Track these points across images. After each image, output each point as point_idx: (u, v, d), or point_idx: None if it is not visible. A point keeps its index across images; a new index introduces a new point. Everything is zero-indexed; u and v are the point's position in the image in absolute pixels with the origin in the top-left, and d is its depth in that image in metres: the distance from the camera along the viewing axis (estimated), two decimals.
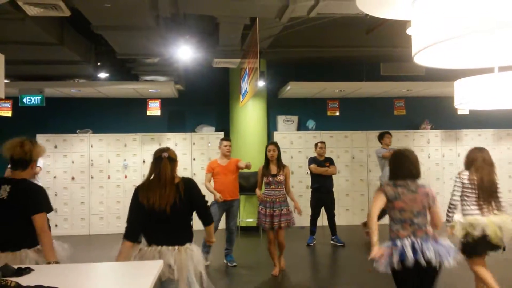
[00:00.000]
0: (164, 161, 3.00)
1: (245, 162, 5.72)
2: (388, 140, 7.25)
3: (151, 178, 3.04)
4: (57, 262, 2.87)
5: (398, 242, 3.03)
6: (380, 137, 7.33)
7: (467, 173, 3.93)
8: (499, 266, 5.45)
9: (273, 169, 5.23)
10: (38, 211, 2.89)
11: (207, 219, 3.16)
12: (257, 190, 5.42)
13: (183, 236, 3.00)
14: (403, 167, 3.18)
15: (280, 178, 5.19)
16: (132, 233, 2.99)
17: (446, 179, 8.83)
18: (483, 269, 3.88)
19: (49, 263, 2.83)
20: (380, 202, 3.13)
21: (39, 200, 2.94)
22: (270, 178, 5.20)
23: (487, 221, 3.75)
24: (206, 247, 5.03)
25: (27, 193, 2.92)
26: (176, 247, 2.92)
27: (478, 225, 3.75)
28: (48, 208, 2.98)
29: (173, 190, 2.96)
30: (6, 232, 2.91)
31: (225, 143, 5.82)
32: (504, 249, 3.83)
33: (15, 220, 2.89)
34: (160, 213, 2.92)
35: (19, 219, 2.88)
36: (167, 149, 3.10)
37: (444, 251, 3.00)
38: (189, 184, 3.07)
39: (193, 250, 2.97)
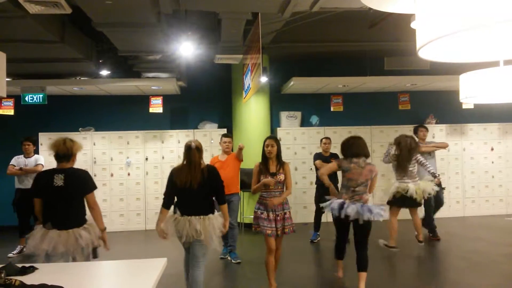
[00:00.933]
0: (193, 150, 3.89)
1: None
2: (422, 133, 7.00)
3: (184, 163, 3.93)
4: (104, 229, 3.74)
5: (335, 201, 4.52)
6: (415, 131, 7.14)
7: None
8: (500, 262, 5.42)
9: (272, 167, 4.40)
10: (89, 191, 3.69)
11: (221, 199, 4.02)
12: (254, 186, 4.41)
13: (206, 208, 3.90)
14: (351, 148, 4.56)
15: (280, 177, 4.35)
16: (168, 204, 3.96)
17: (452, 174, 8.78)
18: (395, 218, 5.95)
19: (102, 230, 3.73)
20: (332, 166, 4.74)
21: (88, 183, 3.73)
22: (269, 178, 4.33)
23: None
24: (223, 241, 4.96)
25: (78, 179, 3.69)
26: (202, 217, 3.82)
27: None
28: (95, 187, 3.78)
29: (200, 173, 3.85)
30: (64, 214, 3.58)
31: (224, 139, 5.96)
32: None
33: (71, 203, 3.62)
34: (190, 190, 3.81)
35: (73, 202, 3.64)
36: (195, 141, 3.98)
37: (365, 210, 4.32)
38: (211, 169, 4.00)
39: (213, 219, 3.86)
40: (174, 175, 3.91)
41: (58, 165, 3.74)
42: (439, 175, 6.41)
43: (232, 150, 6.10)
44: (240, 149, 5.68)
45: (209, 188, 3.90)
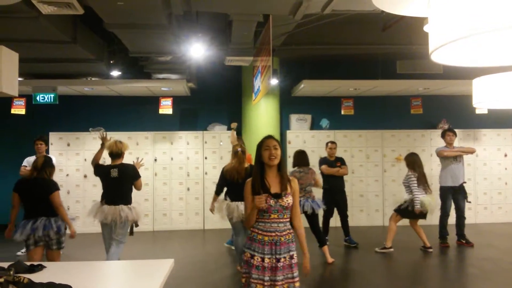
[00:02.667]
0: (239, 153, 5.17)
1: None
2: (449, 138, 6.76)
3: (233, 163, 5.18)
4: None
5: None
6: (442, 136, 6.96)
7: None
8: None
9: (274, 184, 2.91)
10: (136, 179, 5.03)
11: None
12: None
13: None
14: (298, 160, 6.03)
15: (287, 200, 2.87)
16: (219, 191, 5.37)
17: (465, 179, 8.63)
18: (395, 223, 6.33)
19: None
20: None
21: (135, 173, 5.03)
22: (270, 201, 2.84)
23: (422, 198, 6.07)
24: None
25: (127, 171, 4.96)
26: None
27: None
28: (139, 176, 5.07)
29: (243, 170, 5.10)
30: (116, 194, 4.87)
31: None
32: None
33: (122, 188, 4.92)
34: (237, 183, 4.90)
35: (123, 187, 4.94)
36: (241, 146, 5.23)
37: (315, 205, 5.77)
38: (251, 168, 4.86)
39: None
40: (225, 172, 5.24)
41: (112, 161, 5.00)
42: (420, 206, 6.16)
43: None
44: (233, 127, 6.52)
45: None
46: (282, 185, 2.91)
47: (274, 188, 2.90)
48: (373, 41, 7.43)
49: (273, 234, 2.84)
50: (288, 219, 2.93)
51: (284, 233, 2.87)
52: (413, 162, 6.29)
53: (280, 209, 2.86)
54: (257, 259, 2.82)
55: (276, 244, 2.82)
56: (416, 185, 6.11)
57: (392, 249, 6.27)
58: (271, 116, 8.25)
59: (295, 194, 2.96)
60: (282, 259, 2.82)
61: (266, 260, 2.80)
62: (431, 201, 6.10)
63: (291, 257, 2.87)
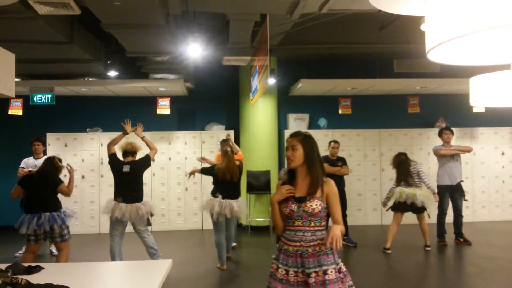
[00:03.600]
0: (228, 153, 5.51)
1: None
2: (446, 136, 6.77)
3: (223, 163, 5.49)
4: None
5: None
6: (439, 134, 6.97)
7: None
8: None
9: (302, 186, 2.54)
10: (147, 167, 5.36)
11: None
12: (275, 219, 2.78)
13: (238, 194, 5.75)
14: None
15: (311, 205, 2.46)
16: (213, 193, 5.61)
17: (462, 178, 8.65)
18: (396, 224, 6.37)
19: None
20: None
21: (145, 167, 5.32)
22: (292, 205, 2.50)
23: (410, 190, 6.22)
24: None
25: (137, 167, 5.22)
26: (236, 200, 5.57)
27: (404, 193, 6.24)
28: (149, 165, 5.39)
29: (236, 169, 5.54)
30: (130, 191, 5.07)
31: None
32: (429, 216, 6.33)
33: (134, 184, 5.15)
34: (230, 181, 5.50)
35: (135, 183, 5.16)
36: (229, 146, 5.60)
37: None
38: (241, 166, 5.78)
39: (240, 201, 5.68)
40: (216, 171, 5.50)
41: (125, 159, 5.26)
42: (438, 192, 6.53)
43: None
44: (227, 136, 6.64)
45: (240, 179, 5.74)
46: (310, 188, 2.48)
47: (301, 190, 2.51)
48: (370, 40, 7.45)
49: (298, 244, 2.44)
50: (317, 228, 2.47)
51: (312, 243, 2.43)
52: (396, 162, 6.48)
53: (304, 216, 2.45)
54: (281, 271, 2.46)
55: (303, 256, 2.41)
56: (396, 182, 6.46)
57: (390, 251, 6.25)
58: (269, 115, 8.25)
59: (330, 197, 2.50)
60: (314, 274, 2.37)
61: (291, 273, 2.41)
62: (408, 193, 6.21)
63: (325, 273, 2.36)
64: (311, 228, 2.46)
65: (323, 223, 2.50)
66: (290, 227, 2.50)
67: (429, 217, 6.34)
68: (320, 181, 2.50)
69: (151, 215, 5.26)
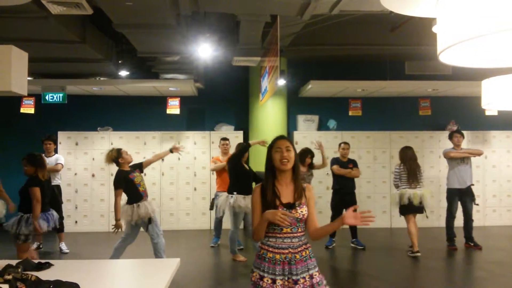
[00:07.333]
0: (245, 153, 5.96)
1: (257, 140, 6.40)
2: (456, 139, 6.67)
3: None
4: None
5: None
6: (450, 137, 6.88)
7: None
8: None
9: (286, 192, 2.48)
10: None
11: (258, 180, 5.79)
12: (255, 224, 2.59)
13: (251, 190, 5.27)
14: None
15: (301, 211, 2.44)
16: (230, 190, 5.91)
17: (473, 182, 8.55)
18: (412, 224, 6.13)
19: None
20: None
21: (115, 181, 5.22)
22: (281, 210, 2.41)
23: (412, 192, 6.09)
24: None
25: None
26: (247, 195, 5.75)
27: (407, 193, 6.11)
28: (117, 186, 5.18)
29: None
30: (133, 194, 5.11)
31: (222, 142, 6.98)
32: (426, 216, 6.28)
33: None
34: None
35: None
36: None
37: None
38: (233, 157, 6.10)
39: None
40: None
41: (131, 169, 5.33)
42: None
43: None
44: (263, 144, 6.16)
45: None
46: (296, 193, 2.45)
47: (286, 197, 2.44)
48: (381, 41, 7.40)
49: (286, 251, 2.38)
50: (303, 233, 2.45)
51: (299, 249, 2.40)
52: (403, 156, 6.35)
53: (293, 222, 2.39)
54: (267, 280, 2.35)
55: (291, 263, 2.36)
56: (397, 178, 6.33)
57: (419, 254, 6.04)
58: (278, 116, 8.24)
59: (310, 202, 2.49)
60: (301, 280, 2.35)
61: (278, 282, 2.33)
62: (415, 193, 6.06)
63: (311, 277, 2.39)
64: (298, 234, 2.43)
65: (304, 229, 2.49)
66: (277, 234, 2.40)
67: (427, 217, 6.28)
68: (302, 185, 2.50)
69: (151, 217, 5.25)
